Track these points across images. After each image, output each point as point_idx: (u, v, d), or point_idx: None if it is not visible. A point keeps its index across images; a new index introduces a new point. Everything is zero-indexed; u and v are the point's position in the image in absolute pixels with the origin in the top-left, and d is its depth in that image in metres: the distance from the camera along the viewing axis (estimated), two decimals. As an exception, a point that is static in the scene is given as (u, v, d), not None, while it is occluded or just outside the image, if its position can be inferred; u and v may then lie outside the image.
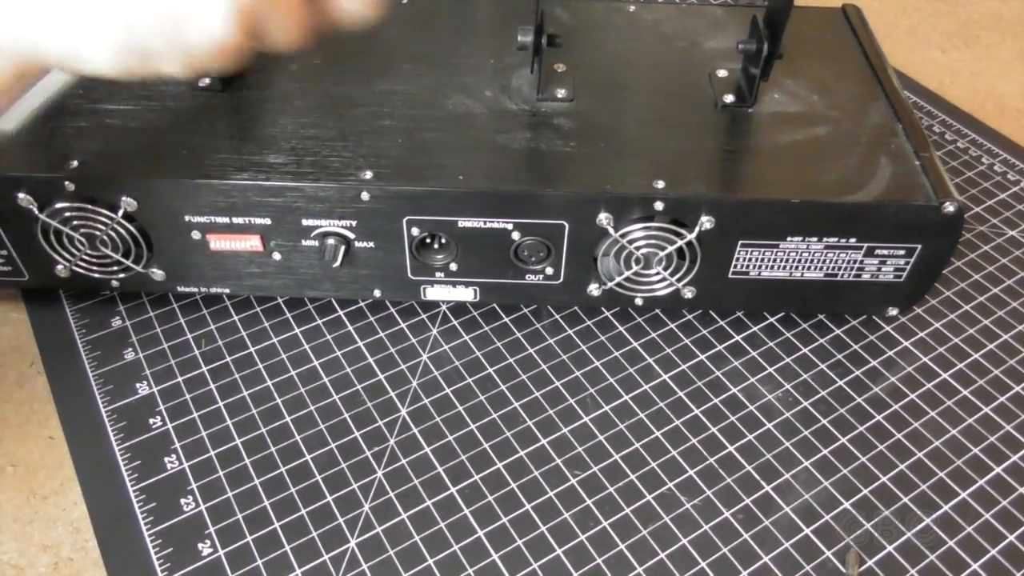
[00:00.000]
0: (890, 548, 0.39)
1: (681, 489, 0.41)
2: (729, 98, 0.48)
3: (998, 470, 0.42)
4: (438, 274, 0.46)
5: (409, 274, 0.46)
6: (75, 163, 0.42)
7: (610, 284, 0.46)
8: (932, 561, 0.39)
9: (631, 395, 0.45)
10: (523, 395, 0.45)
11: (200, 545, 0.39)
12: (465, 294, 0.47)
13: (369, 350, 0.47)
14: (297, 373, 0.45)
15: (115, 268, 0.45)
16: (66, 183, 0.41)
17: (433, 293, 0.47)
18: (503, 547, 0.39)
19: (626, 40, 0.53)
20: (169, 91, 0.46)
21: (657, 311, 0.49)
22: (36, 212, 0.42)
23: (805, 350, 0.47)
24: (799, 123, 0.46)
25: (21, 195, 0.42)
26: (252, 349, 0.47)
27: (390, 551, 0.38)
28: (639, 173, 0.42)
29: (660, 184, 0.42)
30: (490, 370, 0.46)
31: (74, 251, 0.44)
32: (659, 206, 0.42)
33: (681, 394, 0.45)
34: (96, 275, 0.46)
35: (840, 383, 0.46)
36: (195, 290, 0.47)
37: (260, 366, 0.46)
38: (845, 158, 0.44)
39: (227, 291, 0.47)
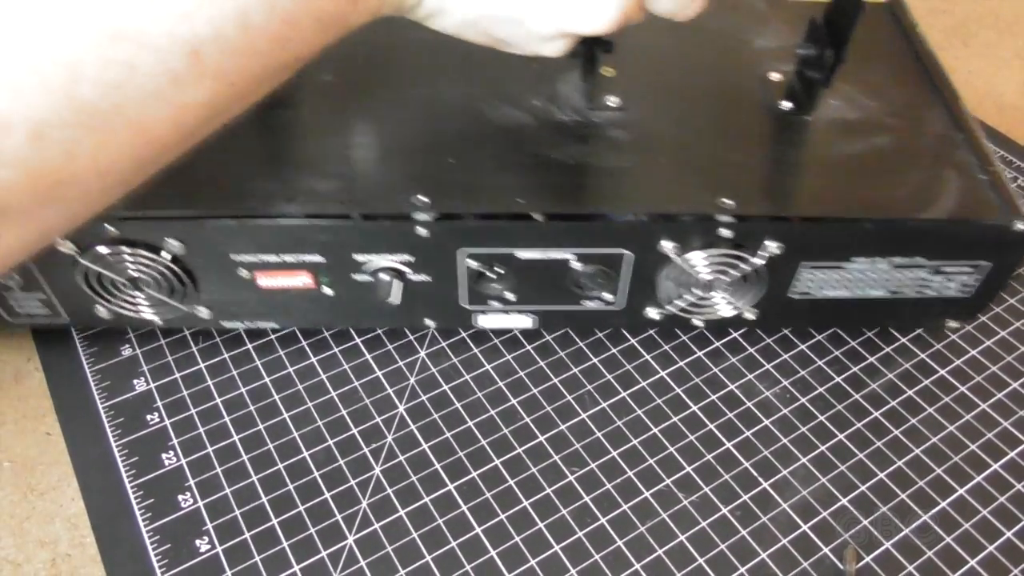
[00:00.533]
0: (888, 545, 0.39)
1: (679, 486, 0.41)
2: (786, 104, 0.45)
3: (996, 467, 0.42)
4: (493, 303, 0.44)
5: (464, 303, 0.44)
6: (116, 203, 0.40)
7: (671, 308, 0.44)
8: (930, 558, 0.39)
9: (629, 392, 0.45)
10: (520, 392, 0.45)
11: (198, 541, 0.38)
12: (521, 321, 0.45)
13: (366, 346, 0.47)
14: (294, 370, 0.45)
15: (159, 307, 0.43)
16: (107, 226, 0.39)
17: (486, 321, 0.45)
18: (501, 544, 0.39)
19: (669, 39, 0.50)
20: None
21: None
22: (76, 256, 0.40)
23: (803, 347, 0.47)
24: (859, 132, 0.44)
25: (60, 239, 0.39)
26: (249, 345, 0.46)
27: (388, 548, 0.38)
28: (703, 192, 0.40)
29: (726, 206, 0.39)
30: (487, 367, 0.46)
31: (116, 293, 0.42)
32: (726, 233, 0.40)
33: (679, 391, 0.45)
34: (139, 315, 0.44)
35: (838, 379, 0.46)
36: (240, 325, 0.45)
37: (258, 362, 0.46)
38: (910, 172, 0.42)
39: (274, 325, 0.46)
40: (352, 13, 0.29)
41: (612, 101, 0.45)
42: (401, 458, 0.42)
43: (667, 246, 0.40)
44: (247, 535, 0.39)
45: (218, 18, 0.24)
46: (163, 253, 0.40)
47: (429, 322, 0.45)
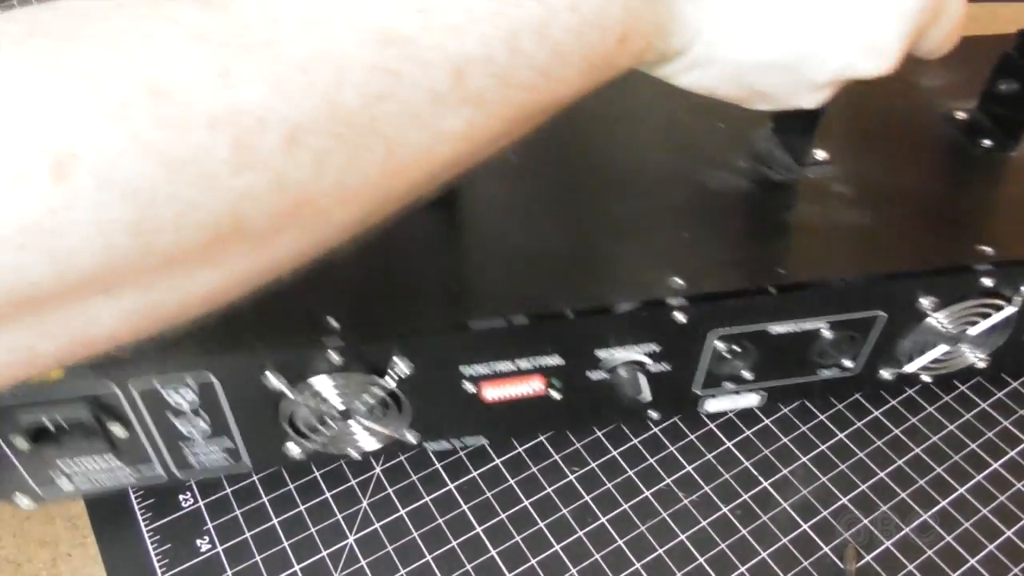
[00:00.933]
0: (888, 544, 0.39)
1: (679, 485, 0.41)
2: (987, 142, 0.44)
3: (996, 466, 0.42)
4: (727, 384, 0.41)
5: (696, 389, 0.40)
6: (334, 323, 0.33)
7: (912, 368, 0.41)
8: (930, 557, 0.39)
9: (629, 392, 0.45)
10: (521, 392, 0.45)
11: (199, 541, 0.38)
12: (749, 400, 0.42)
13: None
14: (295, 370, 0.45)
15: (367, 437, 0.38)
16: (330, 352, 0.33)
17: (714, 405, 0.42)
18: (501, 543, 0.39)
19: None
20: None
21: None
22: (287, 392, 0.34)
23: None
24: None
25: (269, 374, 0.33)
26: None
27: (388, 547, 0.38)
28: (954, 240, 0.39)
29: (986, 253, 0.38)
30: (488, 367, 0.46)
31: (319, 428, 0.36)
32: (987, 282, 0.37)
33: (679, 390, 0.45)
34: (340, 449, 0.38)
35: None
36: (447, 445, 0.40)
37: (258, 363, 0.46)
38: None
39: (484, 442, 0.41)
40: (618, 55, 0.27)
41: (820, 155, 0.43)
42: (402, 457, 0.42)
43: (925, 302, 0.38)
44: (247, 535, 0.39)
45: (490, 37, 0.22)
46: (387, 377, 0.35)
47: (653, 414, 0.42)
